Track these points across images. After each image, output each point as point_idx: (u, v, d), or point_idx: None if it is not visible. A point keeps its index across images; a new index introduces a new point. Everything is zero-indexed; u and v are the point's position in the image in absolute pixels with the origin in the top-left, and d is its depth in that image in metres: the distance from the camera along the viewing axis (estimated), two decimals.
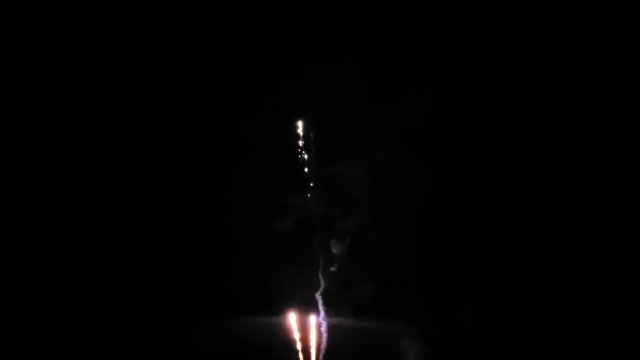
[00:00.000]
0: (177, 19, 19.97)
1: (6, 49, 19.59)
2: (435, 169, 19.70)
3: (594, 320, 18.78)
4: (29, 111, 19.92)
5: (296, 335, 19.50)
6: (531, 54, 19.73)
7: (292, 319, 19.52)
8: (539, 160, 19.87)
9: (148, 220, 19.96)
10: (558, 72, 19.75)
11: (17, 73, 19.62)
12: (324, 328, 19.59)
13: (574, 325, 18.61)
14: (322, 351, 19.57)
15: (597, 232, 19.21)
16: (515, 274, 19.42)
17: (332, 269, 19.84)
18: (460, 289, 19.41)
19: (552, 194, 19.87)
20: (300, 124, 20.14)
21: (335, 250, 19.92)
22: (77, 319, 19.34)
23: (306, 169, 20.16)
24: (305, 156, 20.15)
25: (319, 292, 19.67)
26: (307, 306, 19.64)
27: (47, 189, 19.85)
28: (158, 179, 19.95)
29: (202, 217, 19.96)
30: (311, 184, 20.11)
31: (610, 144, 19.26)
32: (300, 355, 19.48)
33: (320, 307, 19.68)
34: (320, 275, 19.80)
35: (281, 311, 19.46)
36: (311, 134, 20.07)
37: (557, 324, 18.80)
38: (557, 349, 18.77)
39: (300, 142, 20.14)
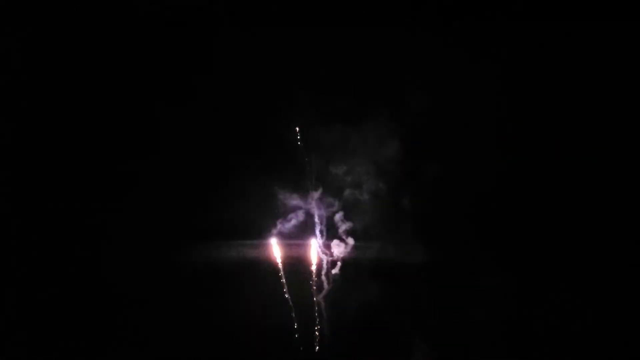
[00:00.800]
0: (177, 19, 20.01)
1: (5, 49, 19.57)
2: (435, 169, 19.65)
3: (602, 322, 18.63)
4: (27, 111, 19.85)
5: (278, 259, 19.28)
6: (531, 54, 19.77)
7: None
8: (539, 160, 19.87)
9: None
10: (558, 72, 19.74)
11: (15, 72, 19.57)
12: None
13: (584, 326, 18.51)
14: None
15: (605, 231, 19.16)
16: (521, 274, 19.29)
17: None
18: (467, 289, 19.27)
19: (553, 194, 19.80)
20: (299, 125, 20.06)
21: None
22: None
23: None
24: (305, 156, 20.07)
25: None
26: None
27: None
28: (158, 178, 19.86)
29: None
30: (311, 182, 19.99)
31: (611, 144, 19.33)
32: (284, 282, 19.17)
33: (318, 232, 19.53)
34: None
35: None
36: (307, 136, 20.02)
37: (566, 324, 18.72)
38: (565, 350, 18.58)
39: (300, 143, 20.05)
